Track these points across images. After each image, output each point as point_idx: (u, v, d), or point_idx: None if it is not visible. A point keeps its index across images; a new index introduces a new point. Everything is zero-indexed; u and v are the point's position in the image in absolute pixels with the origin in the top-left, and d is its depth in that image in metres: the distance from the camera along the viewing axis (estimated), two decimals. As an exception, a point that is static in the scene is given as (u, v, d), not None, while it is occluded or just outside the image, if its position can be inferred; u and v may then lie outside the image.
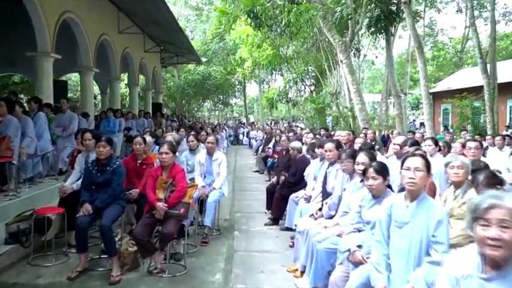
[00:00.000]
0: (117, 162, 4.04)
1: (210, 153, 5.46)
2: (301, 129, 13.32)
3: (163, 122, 14.16)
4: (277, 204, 5.91)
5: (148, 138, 5.50)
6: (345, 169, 3.86)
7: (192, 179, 5.55)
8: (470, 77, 20.77)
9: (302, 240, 4.04)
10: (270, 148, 11.04)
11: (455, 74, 25.85)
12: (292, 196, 5.48)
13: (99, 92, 19.67)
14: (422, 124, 28.87)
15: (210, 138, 5.44)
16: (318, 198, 4.33)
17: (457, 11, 27.69)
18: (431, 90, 23.85)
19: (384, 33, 14.69)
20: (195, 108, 34.04)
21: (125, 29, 12.85)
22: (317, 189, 4.56)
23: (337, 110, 18.07)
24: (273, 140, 11.13)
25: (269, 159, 10.21)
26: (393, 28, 15.80)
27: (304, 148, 7.57)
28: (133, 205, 4.62)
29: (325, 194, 4.19)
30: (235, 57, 24.05)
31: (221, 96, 32.84)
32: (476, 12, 25.39)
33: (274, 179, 6.83)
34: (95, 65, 10.94)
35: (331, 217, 3.95)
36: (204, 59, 22.57)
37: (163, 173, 4.00)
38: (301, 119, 28.13)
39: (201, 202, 5.45)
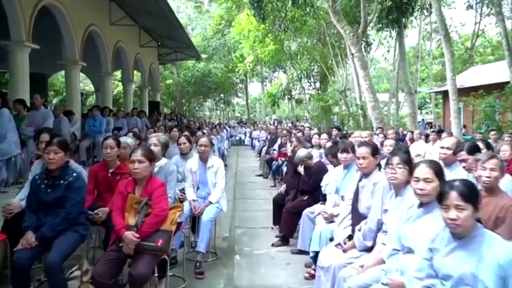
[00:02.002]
0: (74, 174, 2.95)
1: (203, 159, 4.37)
2: (310, 128, 12.24)
3: (161, 121, 13.10)
4: (287, 219, 4.83)
5: (129, 140, 4.42)
6: (394, 180, 2.65)
7: (183, 190, 4.52)
8: (482, 74, 19.65)
9: (326, 279, 2.97)
10: (275, 150, 9.95)
11: (466, 72, 24.66)
12: (307, 211, 4.40)
13: (93, 90, 18.71)
14: (429, 124, 27.74)
15: (203, 141, 4.28)
16: (347, 221, 3.23)
17: (467, 8, 26.49)
18: (441, 89, 22.67)
19: (396, 25, 13.69)
20: (196, 108, 32.96)
21: (117, 21, 11.86)
22: (344, 208, 3.45)
23: (345, 108, 17.05)
24: (278, 141, 10.04)
25: (274, 162, 9.15)
26: (406, 19, 14.82)
27: (316, 152, 6.52)
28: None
29: (357, 217, 3.09)
30: (237, 55, 23.00)
31: (222, 95, 31.77)
32: (487, 10, 24.31)
33: (282, 188, 5.76)
34: (82, 58, 9.91)
35: (366, 249, 2.88)
36: (204, 55, 21.55)
37: (136, 188, 2.91)
38: (305, 118, 27.10)
39: (194, 219, 4.42)
